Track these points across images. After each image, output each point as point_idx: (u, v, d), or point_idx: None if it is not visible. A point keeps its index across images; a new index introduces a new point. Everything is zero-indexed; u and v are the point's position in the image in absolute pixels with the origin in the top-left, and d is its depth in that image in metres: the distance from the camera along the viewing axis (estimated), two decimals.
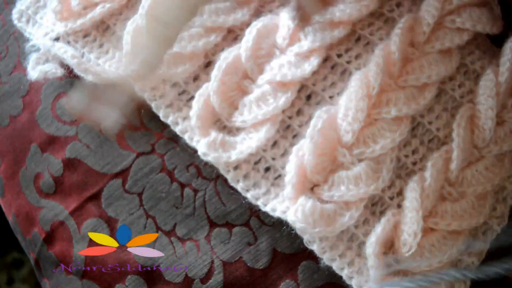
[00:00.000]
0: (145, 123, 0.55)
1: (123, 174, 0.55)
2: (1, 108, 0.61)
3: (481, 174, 0.49)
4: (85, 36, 0.57)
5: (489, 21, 0.52)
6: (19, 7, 0.59)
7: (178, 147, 0.54)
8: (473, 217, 0.48)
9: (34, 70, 0.56)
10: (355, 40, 0.53)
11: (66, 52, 0.54)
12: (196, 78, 0.54)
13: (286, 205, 0.49)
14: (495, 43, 0.54)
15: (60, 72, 0.56)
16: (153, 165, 0.55)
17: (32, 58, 0.56)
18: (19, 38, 0.62)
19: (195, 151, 0.51)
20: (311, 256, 0.50)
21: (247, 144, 0.50)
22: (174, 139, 0.54)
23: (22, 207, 0.59)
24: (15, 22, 0.59)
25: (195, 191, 0.54)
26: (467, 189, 0.49)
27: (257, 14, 0.55)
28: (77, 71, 0.54)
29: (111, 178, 0.55)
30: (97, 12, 0.56)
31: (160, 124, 0.54)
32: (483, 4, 0.52)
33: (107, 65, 0.55)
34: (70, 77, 0.57)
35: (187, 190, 0.54)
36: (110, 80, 0.53)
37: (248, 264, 0.52)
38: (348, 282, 0.48)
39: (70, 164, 0.57)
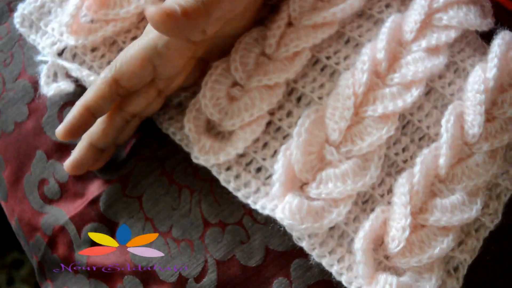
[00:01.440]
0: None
1: (123, 178, 0.56)
2: (6, 115, 0.62)
3: (472, 170, 0.49)
4: (93, 50, 0.58)
5: (477, 18, 0.52)
6: (21, 11, 0.60)
7: (178, 151, 0.55)
8: (464, 214, 0.48)
9: (49, 88, 0.57)
10: (344, 42, 0.54)
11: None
12: (194, 93, 0.55)
13: (275, 203, 0.49)
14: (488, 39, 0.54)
15: (72, 87, 0.57)
16: (153, 168, 0.55)
17: (43, 72, 0.58)
18: (24, 45, 0.63)
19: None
20: (303, 253, 0.50)
21: (234, 145, 0.51)
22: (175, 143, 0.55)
23: (25, 212, 0.60)
24: (18, 26, 0.60)
25: (192, 191, 0.54)
26: (457, 185, 0.49)
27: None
28: None
29: (112, 182, 0.56)
30: (109, 30, 0.57)
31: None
32: (472, 1, 0.52)
33: None
34: (76, 86, 0.58)
35: (184, 191, 0.54)
36: None
37: (241, 262, 0.52)
38: (338, 278, 0.49)
39: None
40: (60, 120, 0.59)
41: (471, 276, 0.49)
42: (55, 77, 0.58)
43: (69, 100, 0.59)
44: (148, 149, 0.56)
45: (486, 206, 0.50)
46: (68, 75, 0.58)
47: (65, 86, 0.57)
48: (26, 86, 0.62)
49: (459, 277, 0.49)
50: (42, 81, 0.57)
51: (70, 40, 0.57)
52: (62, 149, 0.59)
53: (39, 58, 0.58)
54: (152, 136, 0.57)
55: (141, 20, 0.59)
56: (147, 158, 0.56)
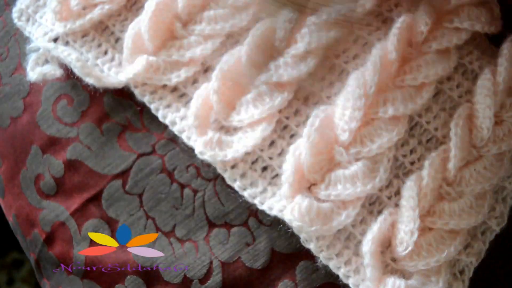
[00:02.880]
0: (145, 124, 0.56)
1: (123, 175, 0.55)
2: (2, 109, 0.62)
3: (480, 173, 0.49)
4: (83, 36, 0.58)
5: (487, 20, 0.52)
6: (19, 6, 0.60)
7: (178, 148, 0.54)
8: (472, 217, 0.48)
9: (34, 72, 0.56)
10: (353, 40, 0.53)
11: (70, 55, 0.55)
12: (195, 81, 0.55)
13: (283, 203, 0.49)
14: (495, 42, 0.54)
15: (59, 73, 0.56)
16: (154, 166, 0.55)
17: (32, 58, 0.57)
18: (20, 40, 0.62)
19: (194, 151, 0.52)
20: (309, 256, 0.50)
21: (243, 143, 0.51)
22: (174, 140, 0.54)
23: (23, 208, 0.59)
24: (15, 21, 0.59)
25: (195, 191, 0.54)
26: (466, 189, 0.49)
27: (256, 18, 0.55)
28: (79, 74, 0.54)
29: (112, 179, 0.55)
30: (96, 13, 0.56)
31: (160, 125, 0.55)
32: (481, 4, 0.52)
33: (106, 67, 0.56)
34: (71, 79, 0.57)
35: (186, 191, 0.54)
36: (111, 84, 0.54)
37: (247, 264, 0.52)
38: (345, 281, 0.48)
39: (71, 165, 0.57)
40: (55, 113, 0.58)
41: (475, 279, 0.50)
42: (45, 64, 0.57)
43: (63, 94, 0.58)
44: (145, 144, 0.56)
45: (492, 209, 0.50)
46: (61, 66, 0.57)
47: (49, 70, 0.56)
48: (23, 81, 0.61)
49: (465, 280, 0.49)
50: (29, 67, 0.57)
51: (59, 27, 0.57)
52: (56, 143, 0.58)
53: (28, 47, 0.58)
54: (150, 130, 0.56)
55: (133, 3, 0.58)
56: (145, 154, 0.56)
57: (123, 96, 0.56)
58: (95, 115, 0.57)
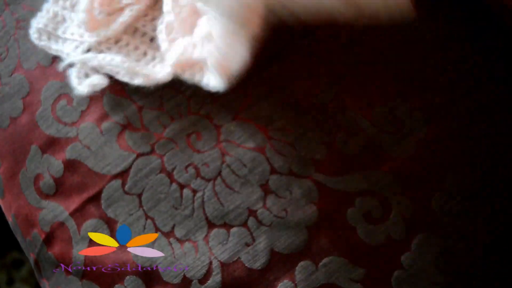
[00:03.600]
0: (145, 124, 0.56)
1: (123, 175, 0.55)
2: (1, 110, 0.62)
3: None
4: (117, 41, 0.58)
5: None
6: (36, 26, 0.59)
7: (177, 148, 0.54)
8: None
9: (82, 86, 0.55)
10: None
11: (114, 59, 0.55)
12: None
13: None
14: None
15: (105, 82, 0.55)
16: (153, 166, 0.55)
17: (73, 74, 0.56)
18: (19, 39, 0.62)
19: (193, 151, 0.52)
20: (309, 256, 0.50)
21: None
22: (173, 139, 0.54)
23: (22, 208, 0.59)
24: (36, 42, 0.59)
25: (194, 191, 0.54)
26: None
27: None
28: (126, 77, 0.55)
29: (111, 179, 0.55)
30: (127, 15, 0.57)
31: (159, 125, 0.55)
32: None
33: (150, 66, 0.56)
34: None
35: (186, 191, 0.54)
36: (160, 79, 0.54)
37: (246, 265, 0.52)
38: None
39: (70, 165, 0.57)
40: (54, 113, 0.58)
41: (475, 279, 0.50)
42: (86, 77, 0.57)
43: (63, 93, 0.58)
44: (144, 144, 0.56)
45: None
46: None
47: (98, 80, 0.55)
48: (22, 81, 0.61)
49: None
50: (74, 82, 0.56)
51: (91, 38, 0.57)
52: (56, 143, 0.58)
53: (62, 65, 0.57)
54: (149, 130, 0.56)
55: (155, 2, 0.58)
56: (144, 154, 0.56)
57: (122, 95, 0.56)
58: (94, 115, 0.57)
